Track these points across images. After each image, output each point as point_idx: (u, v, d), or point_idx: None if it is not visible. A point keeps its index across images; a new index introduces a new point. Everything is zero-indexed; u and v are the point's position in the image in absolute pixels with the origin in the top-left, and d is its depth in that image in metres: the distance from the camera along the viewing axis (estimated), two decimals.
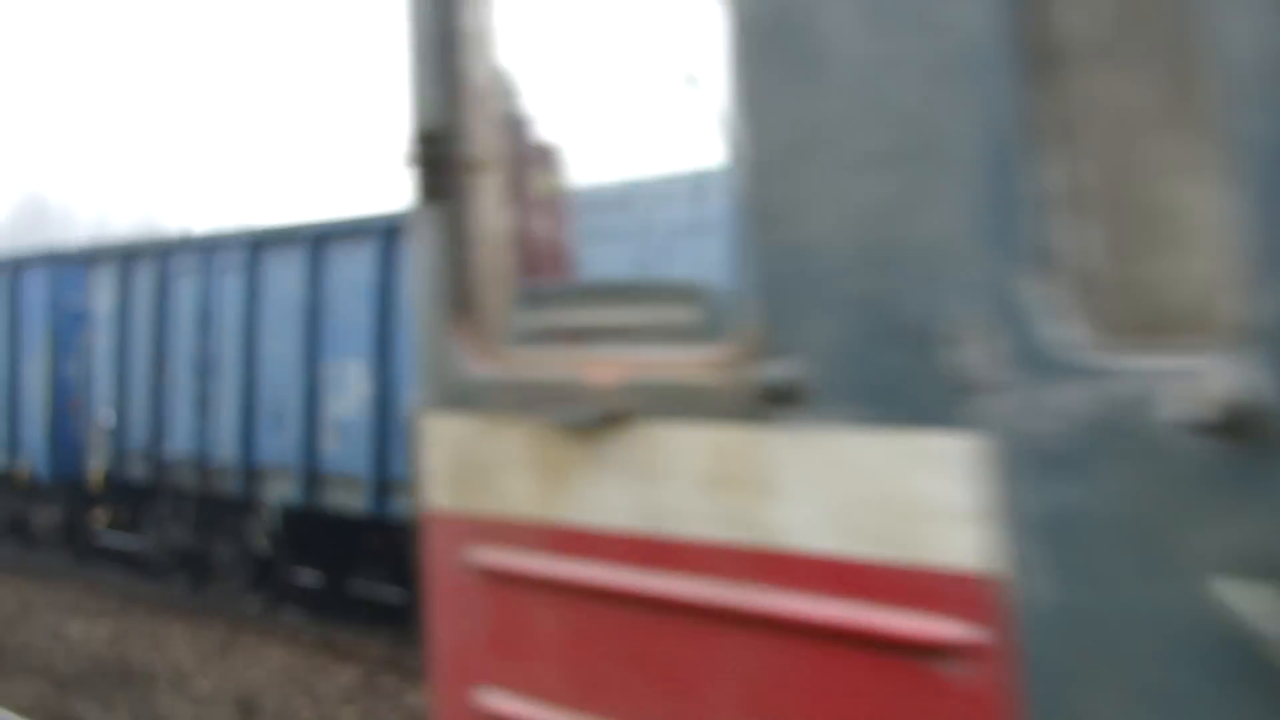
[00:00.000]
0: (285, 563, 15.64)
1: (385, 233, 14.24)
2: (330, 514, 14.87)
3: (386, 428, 14.05)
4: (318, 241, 15.23)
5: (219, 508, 16.40)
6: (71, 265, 19.47)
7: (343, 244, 14.95)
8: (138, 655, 14.23)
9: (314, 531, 15.44)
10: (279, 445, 15.39)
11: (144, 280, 17.94)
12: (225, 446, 16.17)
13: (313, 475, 14.97)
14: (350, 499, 14.53)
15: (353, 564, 15.54)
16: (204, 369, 16.65)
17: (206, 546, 16.76)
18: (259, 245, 15.96)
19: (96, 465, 18.20)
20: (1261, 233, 2.13)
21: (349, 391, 14.37)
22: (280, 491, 15.37)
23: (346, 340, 14.52)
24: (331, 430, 14.70)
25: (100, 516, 18.94)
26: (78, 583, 18.17)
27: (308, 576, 16.03)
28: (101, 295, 18.65)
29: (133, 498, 18.09)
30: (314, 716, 11.81)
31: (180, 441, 17.02)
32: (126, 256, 18.36)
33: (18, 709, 11.69)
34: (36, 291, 19.60)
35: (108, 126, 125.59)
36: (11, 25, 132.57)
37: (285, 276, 15.52)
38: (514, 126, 3.75)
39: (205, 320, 16.73)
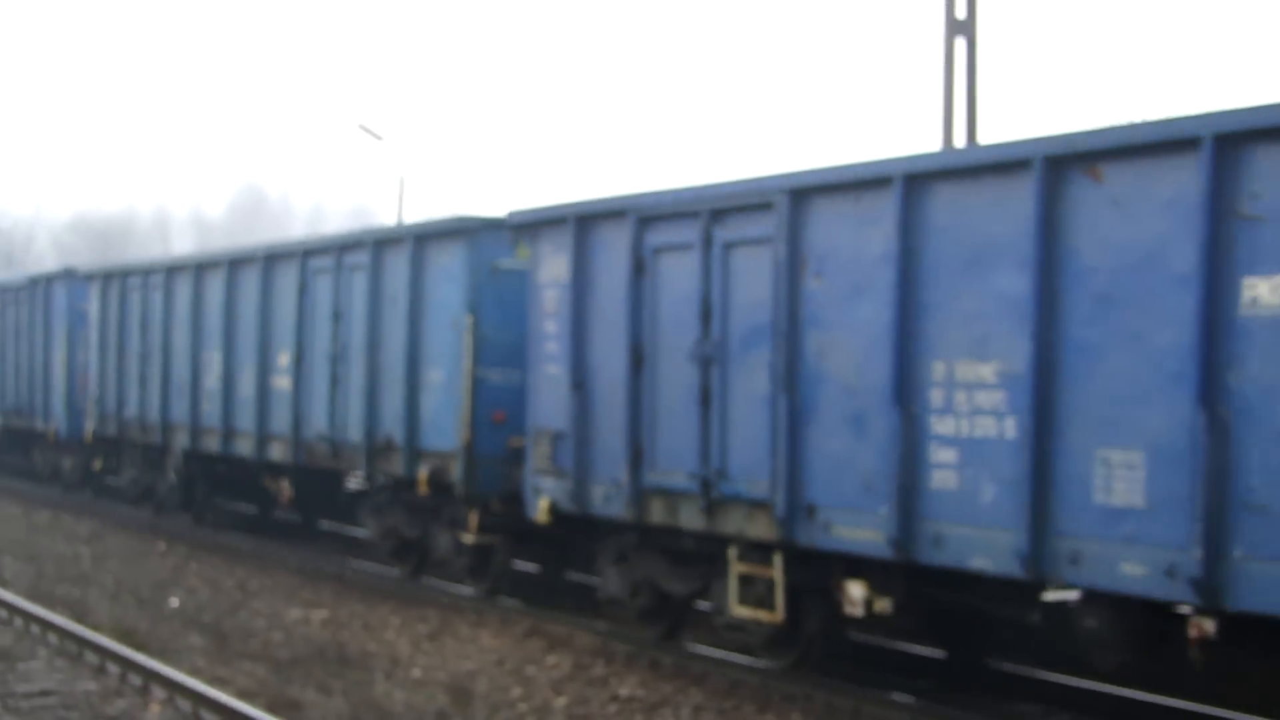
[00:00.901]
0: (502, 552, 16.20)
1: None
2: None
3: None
4: (418, 241, 16.92)
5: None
6: (79, 281, 26.94)
7: (439, 243, 16.66)
8: (353, 641, 14.60)
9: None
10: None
11: (133, 290, 24.48)
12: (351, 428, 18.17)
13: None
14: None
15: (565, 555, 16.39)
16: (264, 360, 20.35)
17: (422, 536, 17.44)
18: (380, 245, 17.83)
19: (89, 427, 25.71)
20: None
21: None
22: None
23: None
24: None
25: (97, 464, 26.34)
26: (293, 569, 19.06)
27: (523, 564, 17.26)
28: (94, 303, 25.70)
29: (113, 448, 25.57)
30: (526, 704, 11.96)
31: (206, 418, 21.82)
32: (107, 276, 25.25)
33: (239, 693, 11.94)
34: (58, 299, 27.58)
35: (322, 117, 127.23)
36: (224, 17, 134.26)
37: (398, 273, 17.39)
38: None
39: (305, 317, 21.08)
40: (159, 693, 11.93)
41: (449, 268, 16.43)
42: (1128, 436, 9.24)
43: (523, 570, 17.68)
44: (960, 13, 18.47)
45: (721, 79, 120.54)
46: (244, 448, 20.63)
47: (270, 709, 11.28)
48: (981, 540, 10.14)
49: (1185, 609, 9.18)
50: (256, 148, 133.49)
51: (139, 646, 13.92)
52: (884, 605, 11.27)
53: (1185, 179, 8.88)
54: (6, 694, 12.00)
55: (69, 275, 27.77)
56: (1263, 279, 8.56)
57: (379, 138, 38.55)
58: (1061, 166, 9.65)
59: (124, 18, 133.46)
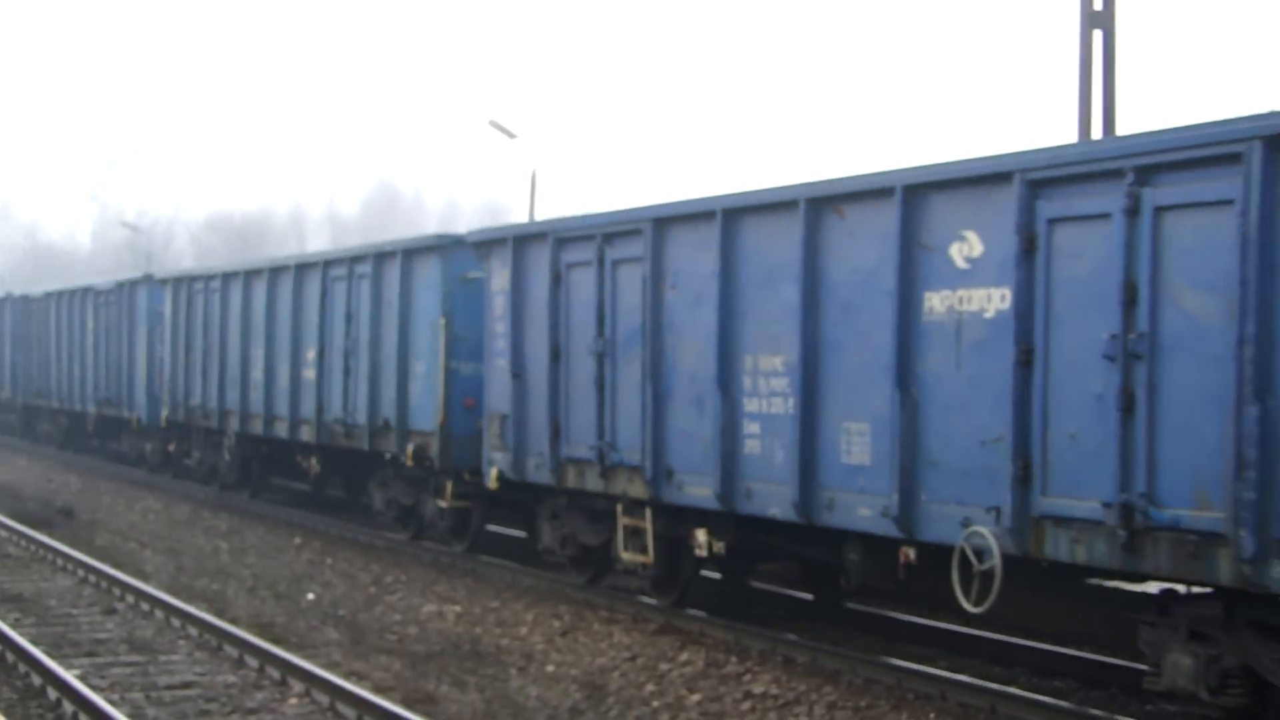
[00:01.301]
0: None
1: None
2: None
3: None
4: (406, 255, 20.49)
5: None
6: (156, 285, 31.06)
7: (422, 257, 20.08)
8: (487, 636, 14.97)
9: None
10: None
11: (197, 293, 28.35)
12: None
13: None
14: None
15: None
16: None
17: (415, 503, 20.88)
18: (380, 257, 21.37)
19: (163, 414, 30.06)
20: None
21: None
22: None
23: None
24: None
25: (172, 446, 30.57)
26: (427, 564, 19.51)
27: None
28: (168, 305, 29.80)
29: (184, 433, 29.62)
30: (659, 700, 12.22)
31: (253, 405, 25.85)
32: (178, 281, 29.44)
33: (375, 687, 12.24)
34: (140, 302, 31.80)
35: (455, 114, 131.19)
36: (361, 16, 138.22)
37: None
38: None
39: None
40: (297, 686, 12.26)
41: (429, 278, 19.93)
42: (861, 412, 12.38)
43: (508, 535, 21.07)
44: (1097, 4, 19.15)
45: (862, 73, 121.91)
46: (280, 430, 24.30)
47: (406, 703, 11.62)
48: (775, 493, 13.32)
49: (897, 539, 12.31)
50: (390, 145, 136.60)
51: (277, 640, 14.32)
52: (719, 547, 14.52)
53: (889, 217, 12.00)
54: (150, 686, 12.45)
55: (149, 280, 31.80)
56: (935, 293, 11.66)
57: (511, 135, 37.54)
58: (819, 206, 12.81)
59: (260, 19, 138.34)
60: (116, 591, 17.42)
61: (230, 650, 13.83)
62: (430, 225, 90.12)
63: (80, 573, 18.88)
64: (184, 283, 28.99)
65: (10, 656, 13.50)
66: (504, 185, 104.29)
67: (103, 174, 78.61)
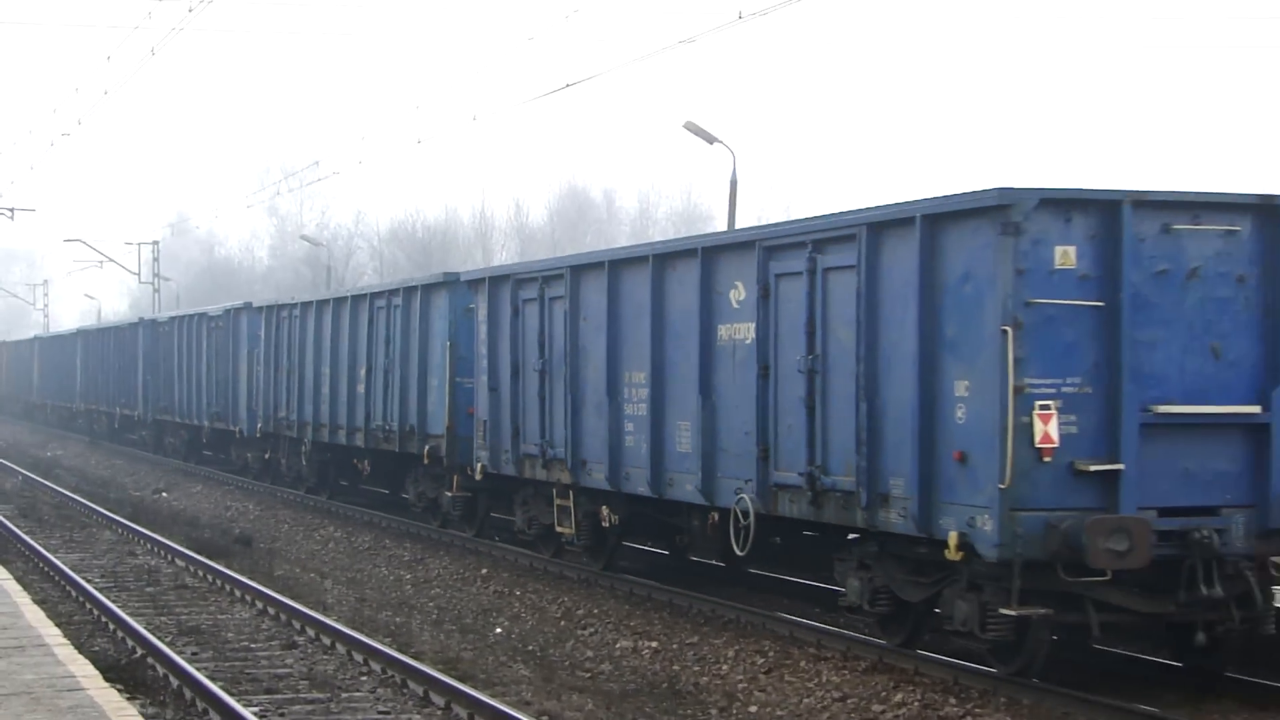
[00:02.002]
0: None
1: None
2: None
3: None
4: (425, 289, 27.13)
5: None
6: (255, 312, 37.28)
7: (436, 291, 25.31)
8: (685, 674, 15.14)
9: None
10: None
11: (283, 320, 34.61)
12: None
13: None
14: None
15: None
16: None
17: (436, 496, 26.35)
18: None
19: (259, 425, 36.12)
20: None
21: None
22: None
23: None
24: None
25: (267, 454, 36.51)
26: (622, 596, 19.73)
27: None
28: (262, 330, 36.30)
29: (277, 442, 35.65)
30: None
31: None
32: (269, 309, 36.05)
33: None
34: (243, 327, 37.96)
35: (649, 118, 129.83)
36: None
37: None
38: None
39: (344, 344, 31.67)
40: None
41: (441, 308, 25.61)
42: (686, 413, 17.66)
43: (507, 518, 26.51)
44: None
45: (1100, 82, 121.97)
46: (341, 437, 30.18)
47: None
48: (640, 475, 18.62)
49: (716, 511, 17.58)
50: (581, 151, 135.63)
51: (463, 677, 14.33)
52: (615, 519, 19.89)
53: (695, 271, 17.29)
54: None
55: (249, 308, 38.08)
56: (722, 325, 16.90)
57: (710, 139, 35.97)
58: (661, 261, 18.13)
59: (443, 21, 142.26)
60: (296, 624, 17.64)
61: (415, 687, 13.85)
62: (622, 236, 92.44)
63: (259, 604, 19.29)
64: (274, 310, 35.14)
65: (188, 693, 13.77)
66: (703, 191, 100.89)
67: (282, 186, 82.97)
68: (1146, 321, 13.18)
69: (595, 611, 18.73)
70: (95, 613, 18.88)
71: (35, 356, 75.11)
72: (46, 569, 22.93)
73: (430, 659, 15.46)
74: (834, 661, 15.15)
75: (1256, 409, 13.37)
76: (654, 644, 16.57)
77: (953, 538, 13.24)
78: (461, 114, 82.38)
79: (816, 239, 15.23)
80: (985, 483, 12.96)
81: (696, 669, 15.29)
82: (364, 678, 14.73)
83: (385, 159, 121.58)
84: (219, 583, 21.37)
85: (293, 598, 19.49)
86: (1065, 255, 12.99)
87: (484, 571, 22.40)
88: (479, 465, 23.25)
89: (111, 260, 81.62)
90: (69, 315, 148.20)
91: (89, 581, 21.32)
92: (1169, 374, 13.27)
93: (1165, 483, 13.20)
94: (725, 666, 15.27)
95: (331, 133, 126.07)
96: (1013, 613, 13.02)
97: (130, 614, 18.23)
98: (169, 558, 24.46)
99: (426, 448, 25.75)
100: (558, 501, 21.30)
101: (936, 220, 13.62)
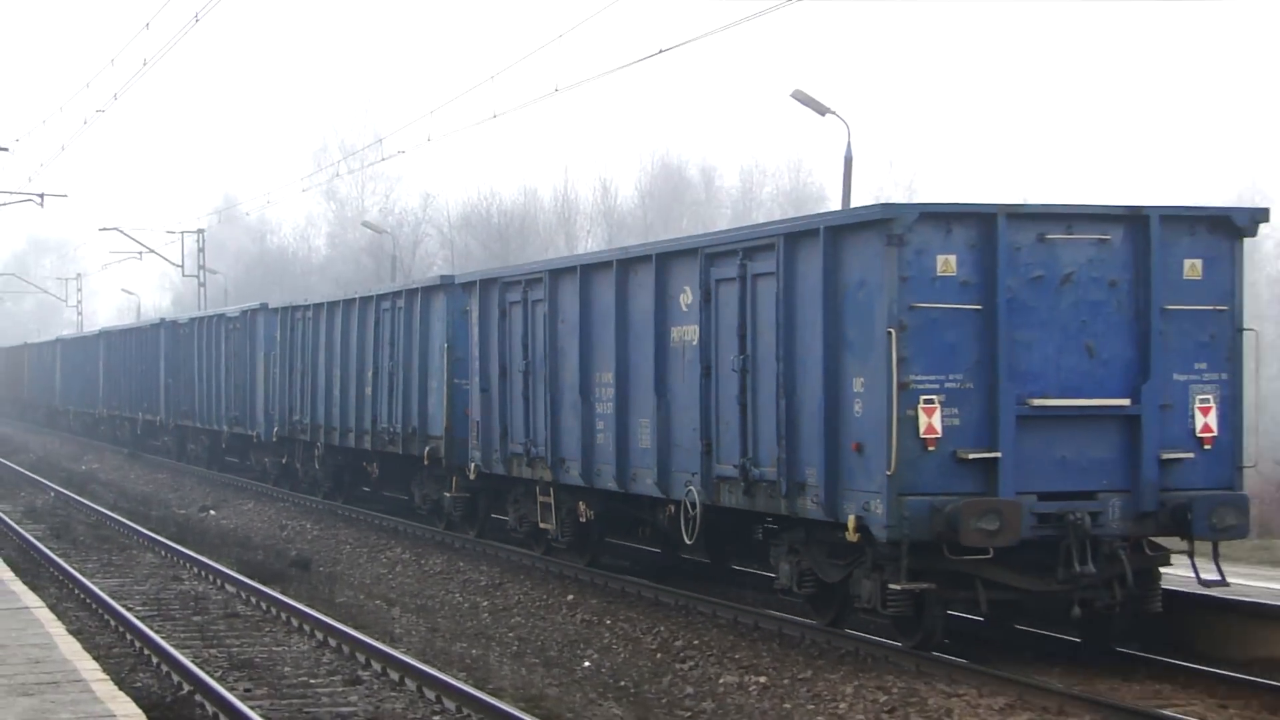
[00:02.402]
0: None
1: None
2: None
3: None
4: (425, 292, 29.16)
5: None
6: (271, 313, 41.08)
7: (434, 294, 28.22)
8: (798, 713, 15.17)
9: None
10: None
11: (296, 323, 38.50)
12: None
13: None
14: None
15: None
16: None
17: (439, 498, 31.62)
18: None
19: (275, 430, 40.04)
20: None
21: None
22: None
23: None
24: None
25: (284, 459, 40.50)
26: (725, 625, 19.74)
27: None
28: (277, 332, 40.01)
29: (291, 446, 39.55)
30: None
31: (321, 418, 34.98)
32: (283, 310, 39.69)
33: None
34: (260, 328, 41.87)
35: (752, 88, 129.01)
36: None
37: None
38: None
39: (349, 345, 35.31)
40: None
41: (439, 311, 29.05)
42: (646, 410, 20.91)
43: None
44: None
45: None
46: (350, 440, 33.71)
47: None
48: (609, 471, 21.91)
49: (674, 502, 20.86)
50: (675, 124, 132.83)
51: (548, 717, 14.52)
52: (591, 515, 23.20)
53: (651, 276, 20.54)
54: None
55: (264, 309, 41.76)
56: (675, 328, 20.14)
57: (821, 110, 35.72)
58: (625, 267, 21.39)
59: None
60: (361, 657, 17.67)
61: None
62: (722, 219, 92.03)
63: (319, 635, 19.32)
64: (289, 312, 38.76)
65: None
66: (814, 168, 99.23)
67: (341, 167, 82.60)
68: (1024, 323, 16.33)
69: (695, 642, 18.85)
70: (137, 644, 19.01)
71: (58, 359, 79.17)
72: (83, 596, 23.28)
73: (510, 696, 15.55)
74: (968, 699, 15.24)
75: (1126, 401, 16.48)
76: (762, 679, 16.71)
77: (851, 521, 16.44)
78: (541, 85, 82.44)
79: (746, 247, 18.47)
80: (876, 470, 16.13)
81: (811, 708, 15.38)
82: (437, 717, 14.92)
83: (456, 136, 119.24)
84: (274, 611, 21.54)
85: (356, 627, 19.59)
86: (946, 263, 16.14)
87: (570, 598, 22.71)
88: (473, 465, 26.64)
89: (152, 251, 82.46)
90: (105, 312, 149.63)
91: (130, 609, 21.49)
92: (1046, 371, 16.41)
93: (1044, 469, 16.32)
94: (843, 705, 15.39)
95: (396, 107, 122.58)
96: (899, 588, 16.20)
97: (176, 646, 18.43)
98: (218, 583, 24.83)
99: (427, 449, 29.17)
100: (540, 499, 24.65)
101: (838, 232, 16.84)
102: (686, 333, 19.91)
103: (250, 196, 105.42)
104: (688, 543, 20.04)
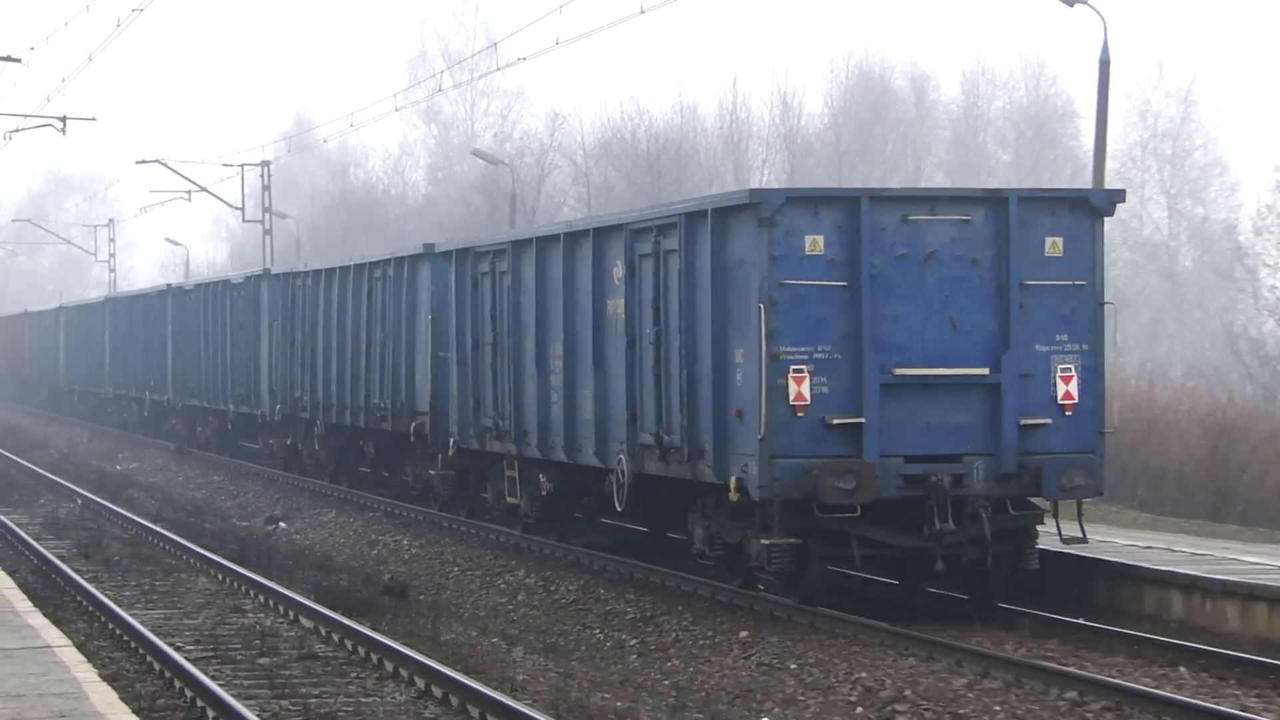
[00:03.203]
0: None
1: None
2: None
3: None
4: (412, 260, 36.00)
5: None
6: (275, 279, 47.89)
7: (420, 262, 36.56)
8: None
9: None
10: None
11: (297, 290, 45.48)
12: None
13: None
14: None
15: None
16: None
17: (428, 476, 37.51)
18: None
19: (278, 408, 46.61)
20: None
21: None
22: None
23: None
24: None
25: (288, 440, 47.26)
26: (944, 669, 20.14)
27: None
28: (279, 299, 47.09)
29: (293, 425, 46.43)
30: None
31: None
32: (287, 276, 46.72)
33: None
34: (264, 296, 48.09)
35: None
36: None
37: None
38: None
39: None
40: None
41: (425, 281, 35.46)
42: (587, 382, 27.14)
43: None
44: None
45: None
46: (346, 418, 40.25)
47: None
48: (560, 442, 28.18)
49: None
50: (876, 22, 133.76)
51: None
52: (550, 487, 29.53)
53: (590, 250, 26.78)
54: None
55: (269, 275, 48.45)
56: (609, 300, 26.31)
57: None
58: (573, 240, 27.60)
59: None
60: (474, 710, 17.43)
61: None
62: (938, 144, 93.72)
63: (420, 682, 18.97)
64: (290, 279, 45.47)
65: None
66: (1060, 75, 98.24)
67: (444, 80, 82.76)
68: (888, 298, 22.38)
69: (908, 693, 18.85)
70: (188, 694, 18.75)
71: (61, 331, 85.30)
72: (119, 632, 22.96)
73: None
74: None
75: (986, 371, 22.52)
76: None
77: (733, 482, 22.57)
78: None
79: (660, 225, 24.67)
80: (752, 435, 22.21)
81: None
82: None
83: (593, 39, 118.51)
84: (362, 651, 21.22)
85: (467, 673, 19.24)
86: (815, 243, 22.24)
87: (743, 634, 22.75)
88: (452, 440, 33.05)
89: (203, 190, 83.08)
90: (145, 268, 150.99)
91: (178, 649, 21.22)
92: (910, 342, 22.47)
93: (910, 434, 22.39)
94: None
95: (515, 3, 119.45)
96: (769, 542, 22.34)
97: (237, 696, 18.19)
98: (291, 615, 24.50)
99: (413, 425, 35.60)
100: (507, 473, 31.04)
101: (723, 214, 22.99)
102: (618, 306, 26.09)
103: (328, 120, 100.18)
104: (618, 509, 26.28)
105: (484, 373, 31.64)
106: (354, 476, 43.09)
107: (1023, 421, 22.70)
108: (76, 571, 28.51)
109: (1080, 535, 23.02)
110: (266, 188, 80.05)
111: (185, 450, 58.15)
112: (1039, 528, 23.43)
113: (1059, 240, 22.90)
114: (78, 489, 44.64)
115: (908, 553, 23.00)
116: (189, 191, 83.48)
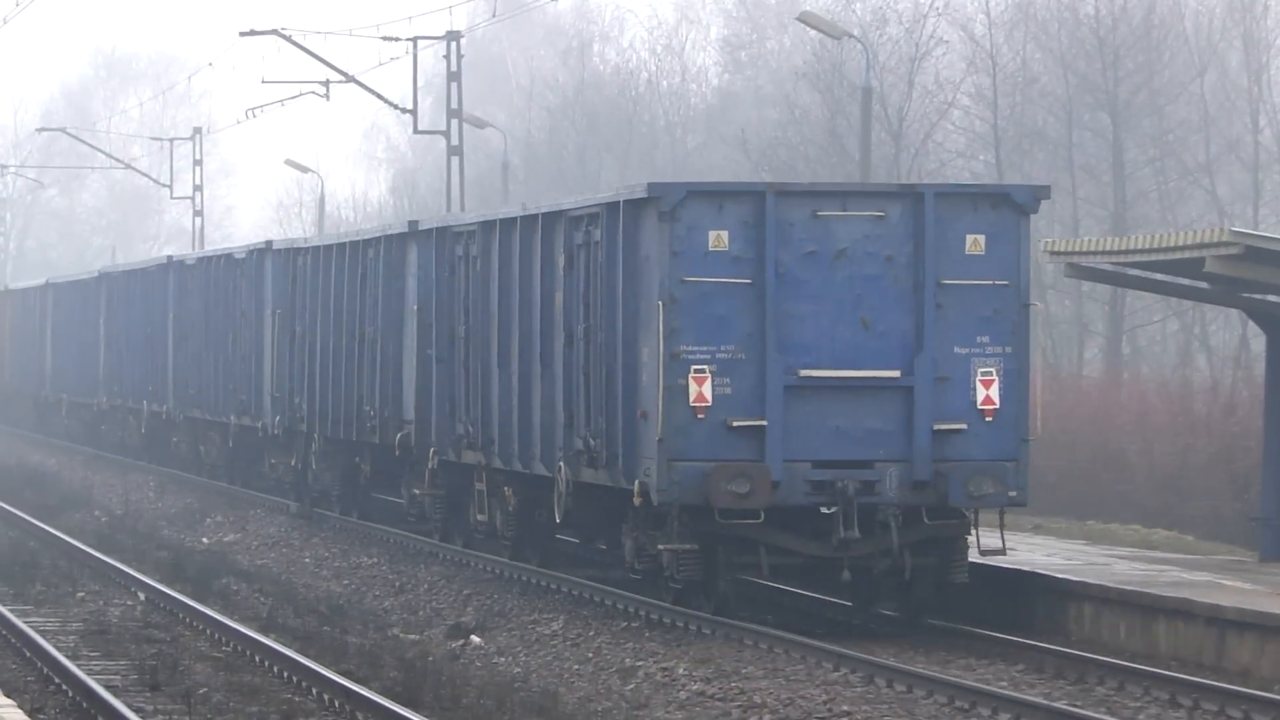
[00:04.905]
0: None
1: None
2: None
3: None
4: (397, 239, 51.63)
5: None
6: (276, 257, 60.27)
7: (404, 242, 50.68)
8: None
9: None
10: None
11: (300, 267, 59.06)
12: None
13: None
14: None
15: None
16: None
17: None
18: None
19: (279, 419, 58.45)
20: None
21: None
22: None
23: None
24: None
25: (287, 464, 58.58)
26: None
27: None
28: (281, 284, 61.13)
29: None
30: None
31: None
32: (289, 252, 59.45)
33: None
34: (267, 276, 61.04)
35: None
36: None
37: None
38: None
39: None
40: None
41: (411, 265, 47.30)
42: (538, 385, 39.54)
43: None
44: None
45: None
46: (340, 431, 52.04)
47: None
48: (512, 451, 40.42)
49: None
50: None
51: None
52: (514, 503, 41.83)
53: (537, 241, 39.24)
54: None
55: (270, 250, 59.98)
56: (557, 293, 38.45)
57: None
58: (530, 225, 39.83)
59: None
60: None
61: None
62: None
63: None
64: (290, 255, 57.53)
65: None
66: None
67: None
68: (796, 296, 33.66)
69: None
70: None
71: (48, 319, 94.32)
72: None
73: None
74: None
75: (896, 373, 33.93)
76: None
77: (636, 486, 34.23)
78: None
79: (590, 214, 36.52)
80: (654, 437, 33.97)
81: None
82: None
83: None
84: None
85: None
86: (719, 238, 33.64)
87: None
88: (431, 451, 45.32)
89: (349, 79, 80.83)
90: (251, 213, 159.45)
91: None
92: (819, 343, 33.69)
93: (817, 439, 33.70)
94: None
95: None
96: (664, 548, 34.15)
97: None
98: None
99: (399, 436, 47.09)
100: (476, 485, 43.19)
101: (633, 207, 34.70)
102: (560, 299, 37.89)
103: None
104: (557, 520, 38.38)
105: (458, 372, 43.62)
106: (363, 506, 54.23)
107: (937, 427, 34.02)
108: (138, 713, 28.15)
109: (999, 546, 34.60)
110: (454, 77, 77.22)
111: (311, 513, 58.47)
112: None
113: (980, 238, 34.14)
114: (139, 575, 44.85)
115: (814, 561, 34.41)
116: (325, 82, 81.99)
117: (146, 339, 74.71)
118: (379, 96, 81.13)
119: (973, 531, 35.22)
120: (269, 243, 61.85)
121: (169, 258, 76.17)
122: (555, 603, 39.99)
